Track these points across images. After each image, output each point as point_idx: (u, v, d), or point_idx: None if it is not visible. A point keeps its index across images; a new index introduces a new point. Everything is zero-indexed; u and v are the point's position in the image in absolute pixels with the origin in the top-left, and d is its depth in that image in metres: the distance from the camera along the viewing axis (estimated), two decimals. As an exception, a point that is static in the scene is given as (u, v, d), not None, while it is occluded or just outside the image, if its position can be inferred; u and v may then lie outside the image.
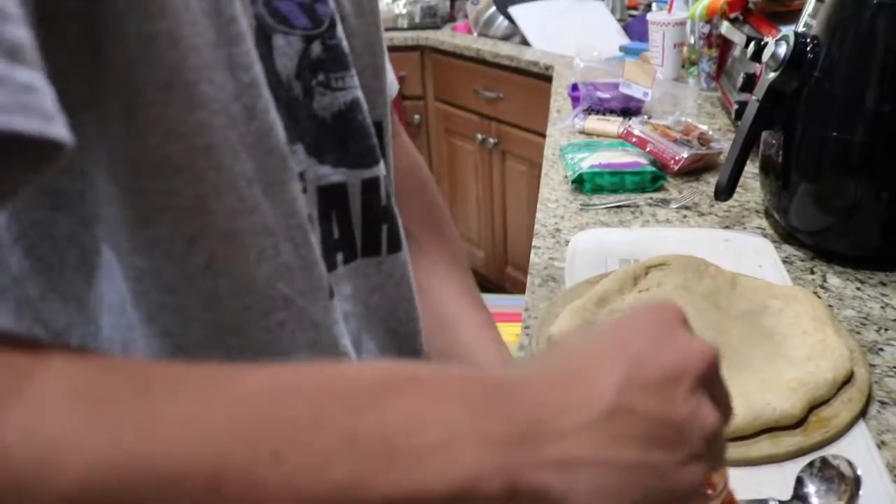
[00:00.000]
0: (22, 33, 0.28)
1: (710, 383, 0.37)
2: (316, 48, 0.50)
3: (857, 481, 0.64)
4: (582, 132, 1.56)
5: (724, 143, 1.36)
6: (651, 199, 1.25)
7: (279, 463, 0.29)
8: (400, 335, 0.59)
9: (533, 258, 1.06)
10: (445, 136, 2.94)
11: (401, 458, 0.31)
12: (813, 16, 1.08)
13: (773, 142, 1.10)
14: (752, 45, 1.14)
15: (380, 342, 0.58)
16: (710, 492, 0.44)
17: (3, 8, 0.27)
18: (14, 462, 0.25)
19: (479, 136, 2.65)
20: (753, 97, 1.08)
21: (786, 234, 1.12)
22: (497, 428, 0.33)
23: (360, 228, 0.55)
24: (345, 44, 0.51)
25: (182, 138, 0.40)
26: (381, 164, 0.55)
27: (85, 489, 0.26)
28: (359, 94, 0.53)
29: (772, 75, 1.04)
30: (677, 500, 0.35)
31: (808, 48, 1.01)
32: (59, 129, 0.28)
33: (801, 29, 1.11)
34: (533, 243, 1.11)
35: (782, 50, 1.02)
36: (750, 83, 1.18)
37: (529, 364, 0.41)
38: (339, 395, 0.32)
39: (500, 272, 2.87)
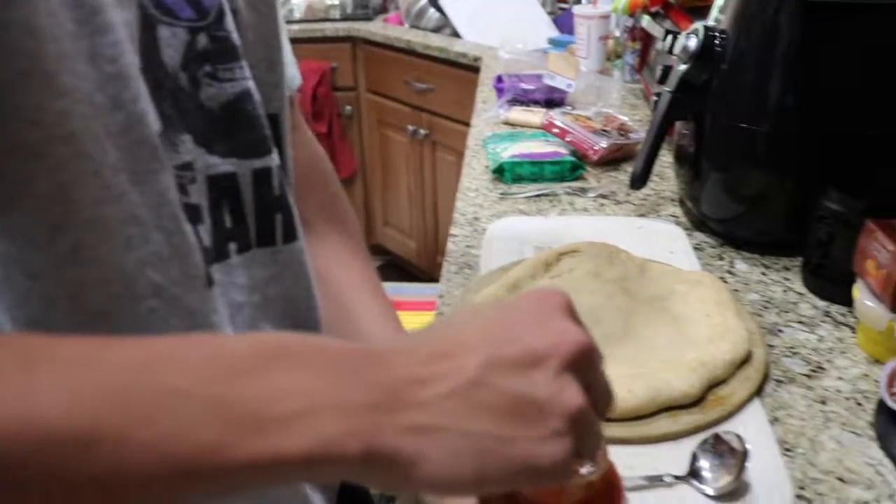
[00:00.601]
0: None
1: (582, 369, 0.39)
2: (202, 40, 0.50)
3: (745, 454, 0.67)
4: (506, 123, 1.58)
5: (643, 133, 1.39)
6: (570, 188, 1.27)
7: (150, 427, 0.31)
8: (299, 324, 0.60)
9: (450, 246, 1.08)
10: (378, 127, 2.94)
11: (263, 425, 0.33)
12: (723, 11, 1.11)
13: (686, 132, 1.13)
14: (669, 38, 1.18)
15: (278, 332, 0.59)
16: (589, 469, 0.45)
17: None
18: None
19: (411, 128, 2.67)
20: (666, 88, 1.11)
21: (698, 222, 1.15)
22: (358, 396, 0.35)
23: (254, 218, 0.55)
24: (234, 36, 0.52)
25: (42, 126, 0.40)
26: (274, 155, 0.55)
27: None
28: (249, 85, 0.53)
29: (682, 67, 1.07)
30: (536, 474, 0.37)
31: (717, 42, 1.04)
32: None
33: (711, 23, 1.14)
34: (450, 231, 1.12)
35: (692, 43, 1.05)
36: (667, 75, 1.21)
37: (406, 339, 0.42)
38: (211, 366, 0.34)
39: (431, 262, 2.89)
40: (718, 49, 1.04)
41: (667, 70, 1.24)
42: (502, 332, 0.39)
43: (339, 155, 2.99)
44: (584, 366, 0.39)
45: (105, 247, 0.44)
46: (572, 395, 0.38)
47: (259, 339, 0.37)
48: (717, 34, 1.04)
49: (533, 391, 0.37)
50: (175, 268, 0.48)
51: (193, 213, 0.50)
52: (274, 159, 0.55)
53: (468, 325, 0.40)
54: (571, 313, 0.41)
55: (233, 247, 0.54)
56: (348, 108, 2.99)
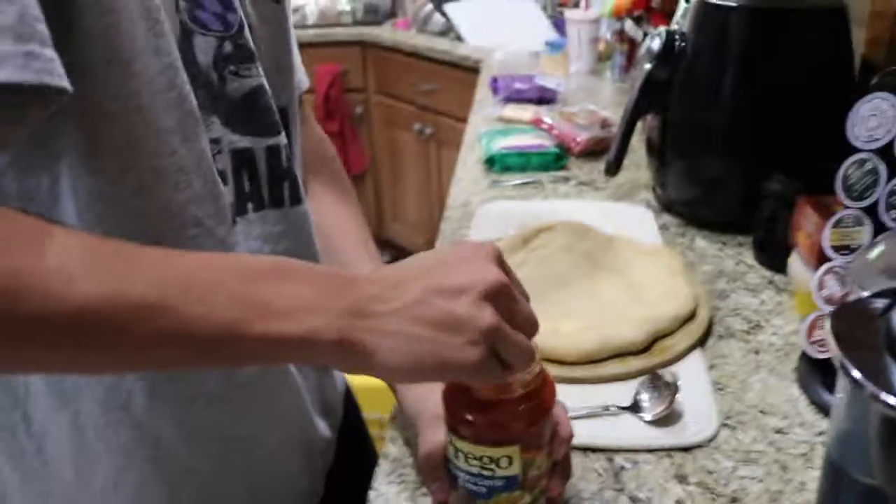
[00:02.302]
0: (42, 27, 0.46)
1: (496, 299, 0.53)
2: (227, 46, 0.65)
3: (676, 388, 0.80)
4: (500, 119, 1.71)
5: (622, 128, 1.53)
6: (554, 176, 1.41)
7: (198, 305, 0.47)
8: None
9: (442, 226, 1.22)
10: (386, 126, 3.08)
11: (270, 314, 0.49)
12: (684, 16, 1.25)
13: (654, 125, 1.26)
14: (646, 40, 1.31)
15: None
16: (524, 373, 0.60)
17: (30, 10, 0.45)
18: (47, 286, 0.43)
19: (417, 126, 2.81)
20: (634, 86, 1.24)
21: (665, 205, 1.29)
22: (337, 304, 0.51)
23: (267, 183, 0.70)
24: (251, 44, 0.67)
25: (119, 100, 0.56)
26: (282, 136, 0.71)
27: (84, 309, 0.44)
28: (263, 81, 0.68)
29: (647, 66, 1.20)
30: (457, 371, 0.52)
31: (677, 43, 1.17)
32: (64, 81, 0.47)
33: (674, 27, 1.28)
34: (444, 214, 1.26)
35: (655, 44, 1.19)
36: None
37: (374, 271, 0.57)
38: (238, 272, 0.50)
39: (439, 256, 3.01)
40: (678, 50, 1.17)
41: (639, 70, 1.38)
42: (440, 269, 0.54)
43: (350, 153, 3.14)
44: (499, 297, 0.53)
45: (160, 187, 0.60)
46: (485, 316, 0.52)
47: (275, 260, 0.53)
48: (678, 36, 1.18)
49: (457, 310, 0.51)
50: (210, 207, 0.63)
51: (221, 177, 0.65)
52: (282, 139, 0.70)
53: (418, 263, 0.55)
54: (496, 260, 0.55)
55: (250, 205, 0.69)
56: (359, 108, 3.14)
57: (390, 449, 0.79)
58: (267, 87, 0.69)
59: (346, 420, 0.91)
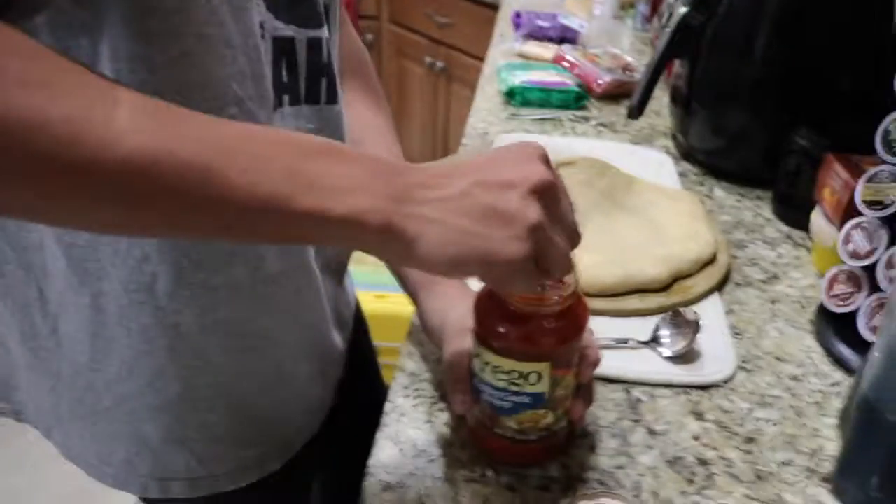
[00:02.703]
0: None
1: (544, 197, 0.51)
2: None
3: (697, 325, 0.80)
4: (520, 55, 1.68)
5: (645, 73, 1.51)
6: (573, 115, 1.39)
7: (244, 174, 0.45)
8: None
9: (460, 152, 1.20)
10: (396, 57, 3.03)
11: (318, 189, 0.46)
12: (725, -40, 1.22)
13: (681, 72, 1.24)
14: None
15: None
16: (556, 287, 0.58)
17: None
18: (98, 135, 0.41)
19: (428, 60, 2.76)
20: (667, 29, 1.22)
21: (685, 153, 1.27)
22: (383, 188, 0.48)
23: (305, 78, 0.68)
24: None
25: None
26: (325, 30, 0.68)
27: (132, 162, 0.42)
28: None
29: (683, 10, 1.18)
30: (498, 265, 0.50)
31: (716, -12, 1.15)
32: None
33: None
34: (462, 141, 1.24)
35: (694, -13, 1.16)
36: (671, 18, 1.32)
37: (422, 165, 0.55)
38: (291, 146, 0.48)
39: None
40: (717, -5, 1.15)
41: (671, 14, 1.35)
42: (488, 165, 0.52)
43: (356, 83, 3.08)
44: (547, 195, 0.51)
45: (206, 58, 0.57)
46: (533, 212, 0.50)
47: (324, 139, 0.50)
48: (717, -19, 1.15)
49: (504, 205, 0.49)
50: (252, 87, 0.61)
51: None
52: (325, 32, 0.68)
53: (465, 160, 0.53)
54: (545, 159, 0.53)
55: (286, 98, 0.66)
56: (370, 36, 3.08)
57: (406, 363, 0.78)
58: None
59: (355, 337, 0.90)
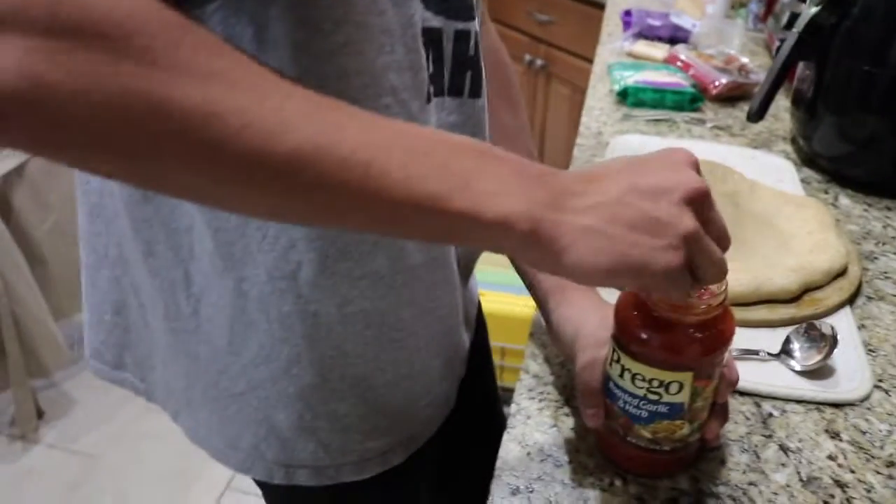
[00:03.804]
0: None
1: (697, 206, 0.50)
2: None
3: (834, 339, 0.76)
4: (629, 55, 1.65)
5: (762, 75, 1.46)
6: (688, 117, 1.36)
7: (402, 170, 0.45)
8: None
9: (575, 153, 1.18)
10: (493, 55, 3.02)
11: (472, 191, 0.46)
12: (859, -42, 1.17)
13: (807, 73, 1.20)
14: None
15: None
16: (705, 295, 0.56)
17: None
18: (268, 127, 0.42)
19: (528, 57, 2.74)
20: (794, 30, 1.18)
21: (807, 159, 1.23)
22: (535, 194, 0.47)
23: (449, 70, 0.67)
24: None
25: None
26: (474, 23, 0.67)
27: (295, 156, 0.42)
28: None
29: (813, 10, 1.13)
30: (652, 275, 0.48)
31: (850, -14, 1.10)
32: None
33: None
34: (577, 141, 1.22)
35: (827, -15, 1.12)
36: (794, 22, 1.27)
37: (571, 170, 0.54)
38: (447, 146, 0.47)
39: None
40: (850, -5, 1.10)
41: (794, 16, 1.30)
42: (640, 170, 0.50)
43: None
44: (699, 203, 0.50)
45: (365, 47, 0.57)
46: (687, 220, 0.48)
47: (479, 141, 0.49)
48: (853, -21, 1.10)
49: (657, 213, 0.48)
50: (408, 78, 0.61)
51: None
52: (473, 26, 0.67)
53: (616, 166, 0.51)
54: (695, 166, 0.52)
55: (430, 89, 0.66)
56: (467, 34, 3.08)
57: (531, 365, 0.77)
58: None
59: (476, 338, 0.89)
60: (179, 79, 0.39)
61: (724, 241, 0.53)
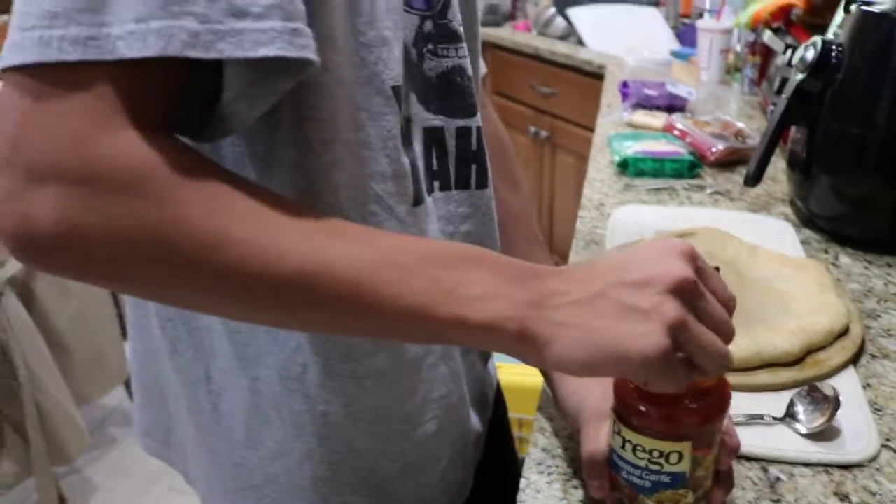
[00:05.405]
0: (301, 6, 0.50)
1: (684, 296, 0.51)
2: (428, 25, 0.66)
3: (837, 401, 0.78)
4: (629, 125, 1.70)
5: (758, 139, 1.49)
6: (688, 184, 1.39)
7: (390, 287, 0.49)
8: None
9: (578, 225, 1.21)
10: (500, 127, 3.08)
11: (459, 299, 0.50)
12: (841, 26, 1.21)
13: (799, 136, 1.23)
14: (789, 52, 1.28)
15: None
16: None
17: None
18: (267, 254, 0.48)
19: (533, 129, 2.80)
20: (783, 96, 1.21)
21: (806, 220, 1.25)
22: (520, 295, 0.51)
23: (454, 165, 0.71)
24: (454, 24, 0.67)
25: (327, 72, 0.57)
26: (476, 118, 0.71)
27: (291, 278, 0.48)
28: (462, 62, 0.69)
29: (800, 77, 1.17)
30: (631, 363, 0.50)
31: (834, 54, 1.14)
32: (316, 55, 0.50)
33: (829, 37, 1.24)
34: (579, 214, 1.25)
35: (810, 54, 1.15)
36: (785, 86, 1.31)
37: (563, 267, 0.57)
38: (431, 256, 0.52)
39: (545, 259, 3.01)
40: (835, 61, 1.14)
41: (785, 81, 1.34)
42: (625, 265, 0.52)
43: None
44: (688, 293, 0.51)
45: (351, 161, 0.61)
46: (669, 308, 0.50)
47: (463, 246, 0.54)
48: (835, 47, 1.14)
49: (639, 302, 0.50)
50: (391, 185, 0.64)
51: (413, 153, 0.66)
52: (474, 122, 0.71)
53: (603, 261, 0.54)
54: (689, 257, 0.52)
55: (436, 184, 0.69)
56: (473, 108, 3.15)
57: (539, 439, 0.78)
58: (467, 66, 0.69)
59: (494, 417, 0.91)
60: (185, 215, 0.46)
61: (725, 331, 0.54)
